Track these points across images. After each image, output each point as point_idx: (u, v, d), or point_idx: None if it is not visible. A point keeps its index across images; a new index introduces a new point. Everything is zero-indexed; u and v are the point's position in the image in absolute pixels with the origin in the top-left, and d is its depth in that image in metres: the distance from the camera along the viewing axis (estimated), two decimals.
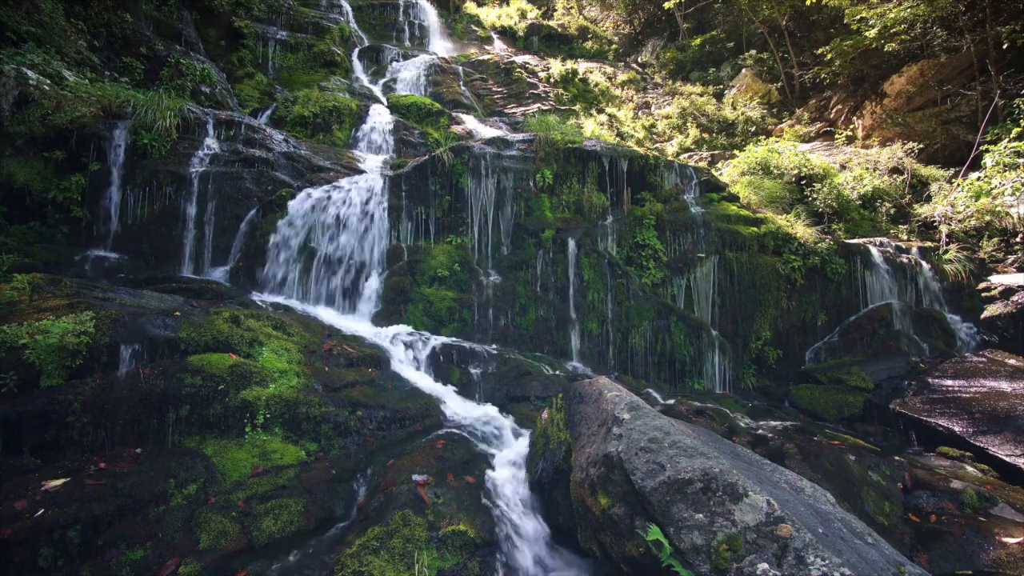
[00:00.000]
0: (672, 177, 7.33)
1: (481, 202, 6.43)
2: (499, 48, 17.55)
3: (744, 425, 4.70)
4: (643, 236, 6.52)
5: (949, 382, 5.42)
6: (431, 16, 17.09)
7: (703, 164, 10.57)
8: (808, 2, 12.36)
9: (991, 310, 6.61)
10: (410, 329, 5.44)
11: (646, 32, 20.86)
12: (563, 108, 13.52)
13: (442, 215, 6.38)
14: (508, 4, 20.56)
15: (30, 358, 3.20)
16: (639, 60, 19.50)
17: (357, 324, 5.44)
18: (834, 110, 13.43)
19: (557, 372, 5.28)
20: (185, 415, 3.38)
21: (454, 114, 11.11)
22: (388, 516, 2.83)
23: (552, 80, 15.06)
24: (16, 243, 5.26)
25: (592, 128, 12.17)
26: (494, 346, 5.59)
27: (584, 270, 6.22)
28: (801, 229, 7.09)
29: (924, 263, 7.27)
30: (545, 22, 19.75)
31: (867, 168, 9.78)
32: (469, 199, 6.39)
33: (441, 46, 16.37)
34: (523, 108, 13.17)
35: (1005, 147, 7.88)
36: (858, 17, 11.59)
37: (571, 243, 6.30)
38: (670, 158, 9.00)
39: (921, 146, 10.39)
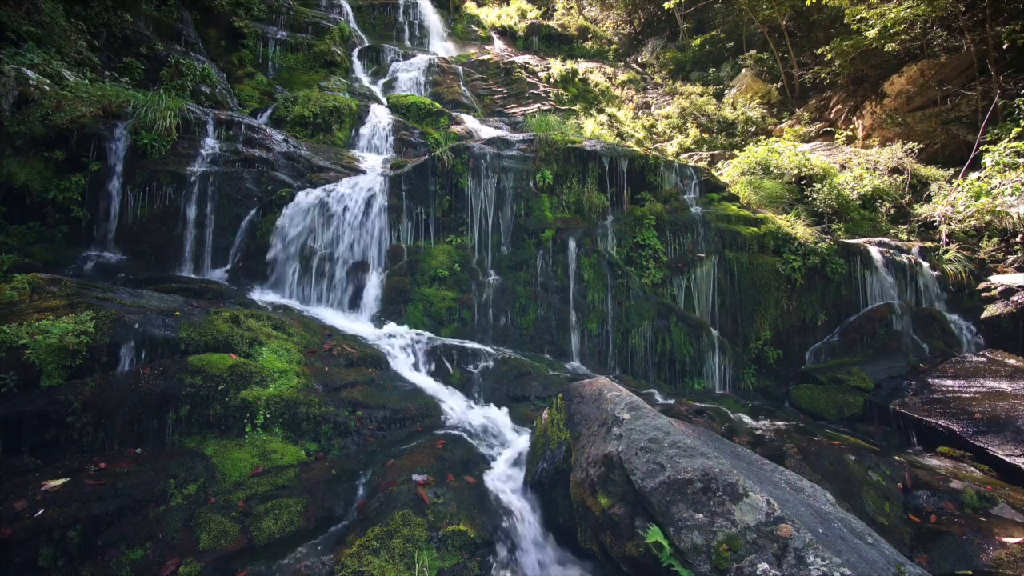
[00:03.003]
0: (672, 177, 7.33)
1: (481, 202, 6.43)
2: (499, 48, 17.54)
3: (744, 425, 4.70)
4: (643, 236, 6.52)
5: (949, 382, 5.42)
6: (431, 16, 17.08)
7: (703, 164, 10.57)
8: (808, 2, 12.36)
9: (991, 310, 6.61)
10: (410, 329, 5.44)
11: (646, 32, 20.86)
12: (563, 108, 13.52)
13: (442, 215, 6.38)
14: (508, 4, 20.56)
15: (30, 358, 3.20)
16: (639, 60, 19.50)
17: (357, 324, 5.44)
18: (834, 110, 13.43)
19: (557, 372, 5.28)
20: (185, 415, 3.38)
21: (454, 114, 11.11)
22: (388, 516, 2.83)
23: (552, 80, 15.06)
24: (16, 243, 5.26)
25: (592, 128, 12.17)
26: (494, 346, 5.59)
27: (584, 270, 6.22)
28: (801, 229, 7.08)
29: (924, 263, 7.27)
30: (545, 22, 19.75)
31: (867, 168, 9.78)
32: (469, 199, 6.39)
33: (441, 46, 16.37)
34: (523, 108, 13.17)
35: (1005, 147, 7.89)
36: (858, 17, 11.59)
37: (571, 243, 6.30)
38: (670, 158, 9.00)
39: (921, 146, 10.39)
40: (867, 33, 11.39)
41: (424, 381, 4.62)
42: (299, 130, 8.68)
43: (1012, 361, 5.59)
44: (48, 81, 6.00)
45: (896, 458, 4.12)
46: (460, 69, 14.00)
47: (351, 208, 6.11)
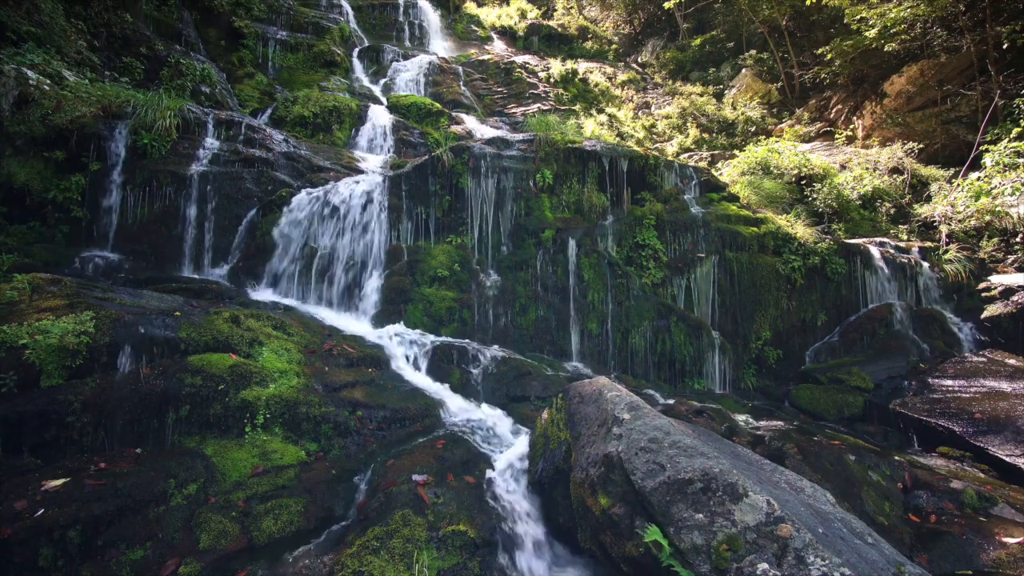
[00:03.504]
0: (672, 177, 7.33)
1: (481, 202, 6.43)
2: (499, 48, 17.54)
3: (744, 425, 4.70)
4: (643, 236, 6.52)
5: (949, 382, 5.42)
6: (431, 16, 17.08)
7: (703, 164, 10.57)
8: (808, 2, 12.35)
9: (991, 310, 6.61)
10: (410, 329, 5.44)
11: (646, 32, 20.86)
12: (563, 108, 13.52)
13: (442, 215, 6.38)
14: (508, 4, 20.56)
15: (30, 358, 3.20)
16: (639, 60, 19.50)
17: (357, 324, 5.44)
18: (834, 110, 13.43)
19: (557, 372, 5.28)
20: (185, 415, 3.38)
21: (454, 114, 11.11)
22: (388, 516, 2.83)
23: (552, 80, 15.06)
24: (16, 243, 5.26)
25: (592, 128, 12.17)
26: (494, 346, 5.59)
27: (584, 270, 6.22)
28: (801, 229, 7.08)
29: (924, 263, 7.27)
30: (545, 22, 19.75)
31: (867, 168, 9.78)
32: (469, 199, 6.39)
33: (441, 46, 16.37)
34: (523, 108, 13.17)
35: (1005, 147, 7.88)
36: (858, 17, 11.59)
37: (571, 243, 6.30)
38: (670, 158, 9.00)
39: (921, 146, 10.39)
40: (867, 33, 11.39)
41: (424, 381, 4.62)
42: (299, 130, 8.68)
43: (1012, 361, 5.59)
44: (48, 81, 6.00)
45: (896, 458, 4.12)
46: (460, 69, 14.00)
47: (351, 208, 6.11)
